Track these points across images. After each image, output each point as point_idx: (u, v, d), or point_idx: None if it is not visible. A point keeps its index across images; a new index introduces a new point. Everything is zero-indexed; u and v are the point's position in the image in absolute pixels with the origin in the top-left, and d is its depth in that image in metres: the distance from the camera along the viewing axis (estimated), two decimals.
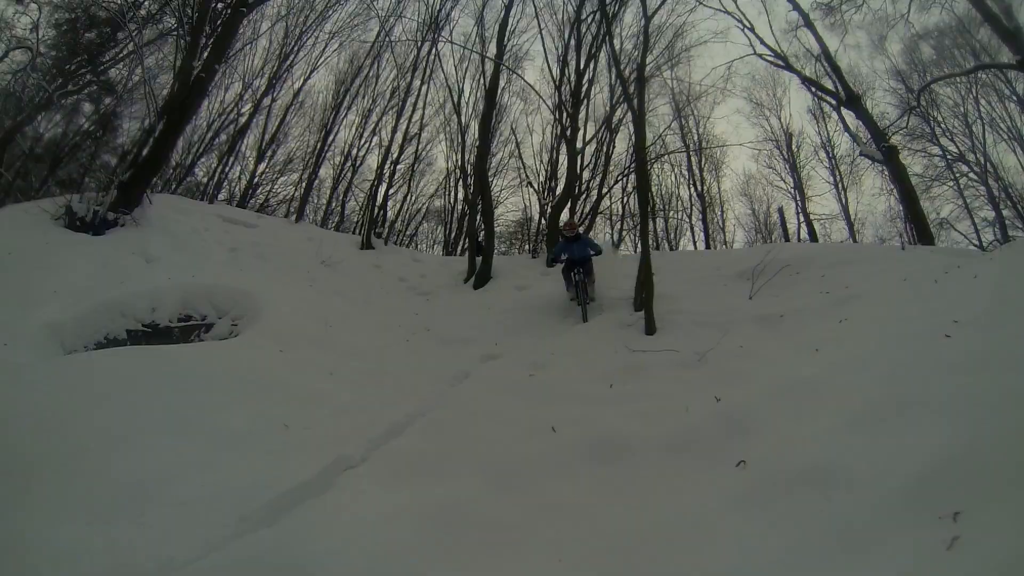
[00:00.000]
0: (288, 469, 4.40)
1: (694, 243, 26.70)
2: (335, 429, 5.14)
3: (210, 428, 4.83)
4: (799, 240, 22.59)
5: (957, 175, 22.38)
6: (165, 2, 16.58)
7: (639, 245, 22.73)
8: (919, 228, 13.44)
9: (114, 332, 7.17)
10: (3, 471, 4.01)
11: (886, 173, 18.10)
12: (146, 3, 16.57)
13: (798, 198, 25.22)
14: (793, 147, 25.91)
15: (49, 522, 3.67)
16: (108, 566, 3.34)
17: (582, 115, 17.11)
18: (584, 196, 18.35)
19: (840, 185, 24.74)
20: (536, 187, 21.22)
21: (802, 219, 24.63)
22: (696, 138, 25.74)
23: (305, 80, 21.57)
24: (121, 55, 17.80)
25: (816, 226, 24.14)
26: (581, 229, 17.66)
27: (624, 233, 24.42)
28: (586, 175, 18.30)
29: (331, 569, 3.21)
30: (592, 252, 9.87)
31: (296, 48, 20.69)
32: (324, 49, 21.34)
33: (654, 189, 24.87)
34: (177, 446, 4.55)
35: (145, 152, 11.28)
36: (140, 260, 9.00)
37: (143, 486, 4.08)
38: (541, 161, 22.34)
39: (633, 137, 18.28)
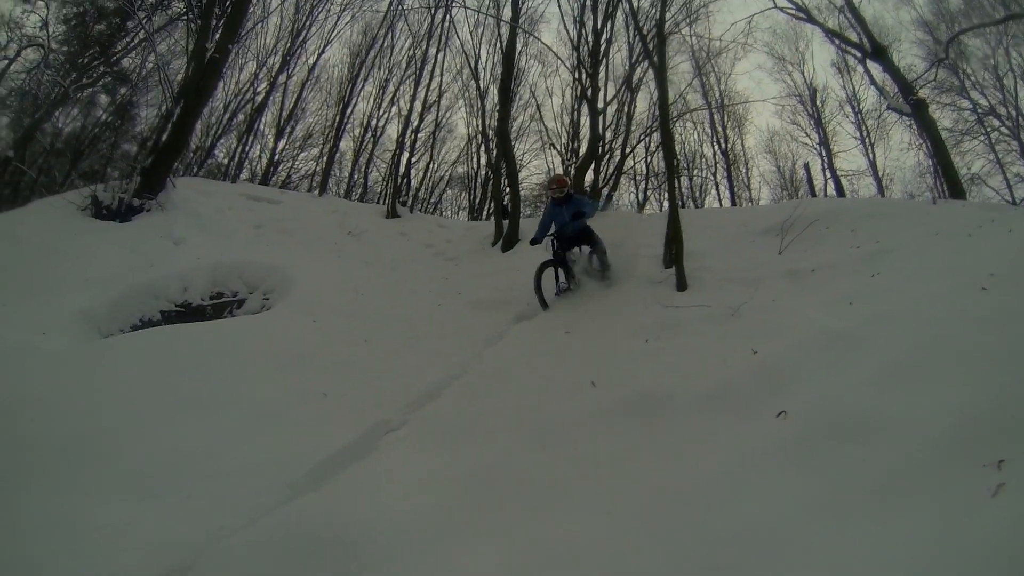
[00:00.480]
0: (329, 436, 4.46)
1: (719, 201, 26.34)
2: (373, 395, 5.18)
3: (250, 399, 4.90)
4: (825, 196, 22.05)
5: (988, 129, 21.46)
6: None
7: (664, 203, 22.63)
8: (950, 183, 13.03)
9: (148, 314, 7.30)
10: (53, 454, 4.11)
11: (914, 128, 17.56)
12: None
13: (824, 154, 24.66)
14: (817, 102, 25.24)
15: (99, 500, 3.75)
16: (159, 539, 3.41)
17: (601, 75, 16.79)
18: (607, 156, 18.13)
19: (867, 140, 24.10)
20: (559, 148, 21.05)
21: (828, 175, 24.19)
22: (718, 95, 25.20)
23: (319, 54, 21.48)
24: (133, 44, 18.02)
25: (843, 182, 23.70)
26: (608, 189, 17.55)
27: (649, 192, 24.22)
28: (608, 135, 18.04)
29: (378, 530, 3.22)
30: (583, 212, 8.38)
31: (308, 23, 20.61)
32: (336, 22, 21.22)
33: (677, 148, 24.41)
34: (219, 419, 4.64)
35: (165, 137, 11.29)
36: (168, 243, 9.09)
37: (189, 460, 4.17)
38: (562, 123, 22.16)
39: (654, 95, 18.01)
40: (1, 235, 8.60)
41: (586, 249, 8.77)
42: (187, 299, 7.68)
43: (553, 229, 8.61)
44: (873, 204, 10.15)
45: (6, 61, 17.66)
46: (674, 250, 7.85)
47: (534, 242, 8.63)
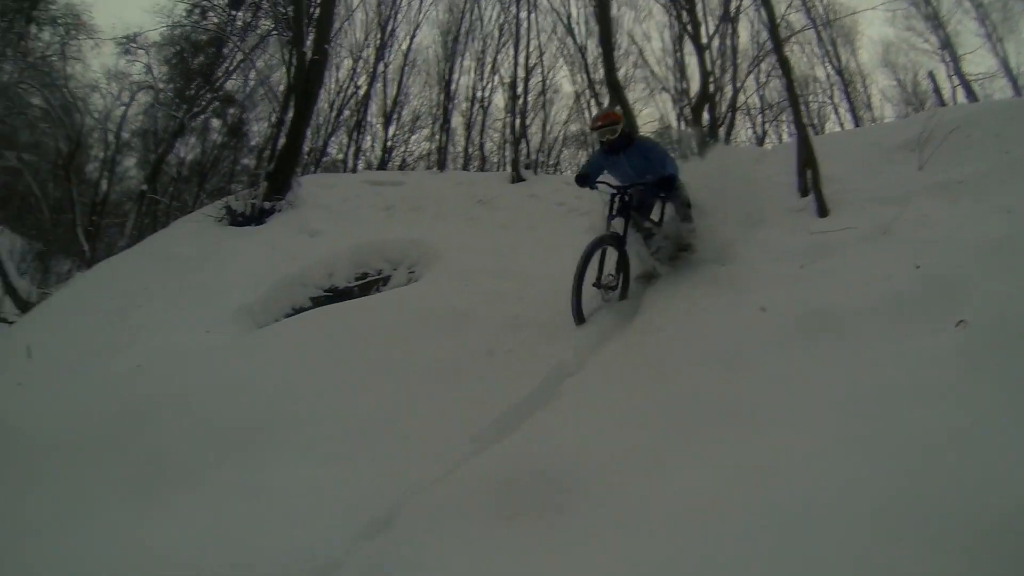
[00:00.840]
0: (507, 387, 4.54)
1: (840, 124, 24.68)
2: (542, 345, 5.21)
3: (421, 363, 5.07)
4: (955, 104, 20.07)
5: None
6: (257, 7, 17.57)
7: (783, 136, 21.55)
8: None
9: (299, 302, 7.78)
10: (241, 433, 4.43)
11: None
12: (240, 14, 17.85)
13: (948, 59, 22.36)
14: (932, 1, 22.88)
15: (288, 466, 4.04)
16: (355, 498, 3.59)
17: (698, 9, 16.40)
18: (718, 94, 17.60)
19: (994, 37, 21.53)
20: (669, 91, 20.90)
21: (956, 81, 21.92)
22: (822, 11, 23.48)
23: (411, 39, 22.08)
24: (232, 67, 19.33)
25: (974, 87, 21.44)
26: (723, 128, 16.88)
27: (766, 126, 23.36)
28: (713, 76, 17.58)
29: (581, 464, 3.25)
30: (667, 172, 5.78)
31: (393, 12, 21.34)
32: (421, 5, 21.76)
33: None
34: (393, 384, 4.84)
35: (282, 141, 12.11)
36: (305, 236, 9.61)
37: (371, 424, 4.38)
38: (666, 66, 21.67)
39: (754, 23, 17.25)
40: (154, 254, 9.60)
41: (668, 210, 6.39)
42: (333, 283, 8.13)
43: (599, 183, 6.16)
44: (1016, 105, 9.68)
45: (123, 107, 19.89)
46: (809, 176, 7.69)
47: (581, 180, 6.14)
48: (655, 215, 6.33)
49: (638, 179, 5.94)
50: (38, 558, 3.50)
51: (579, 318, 5.55)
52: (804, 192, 7.97)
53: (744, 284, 5.49)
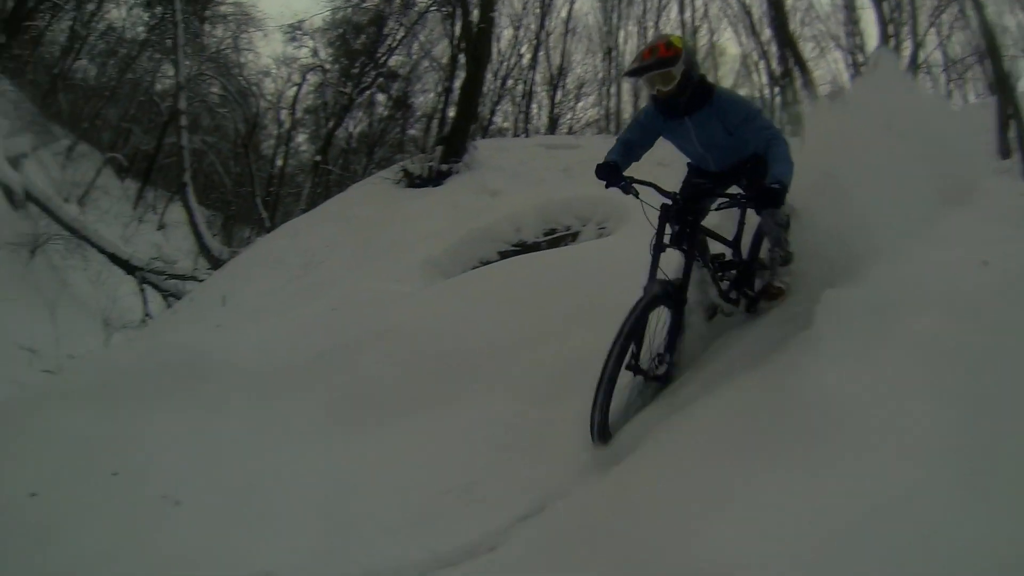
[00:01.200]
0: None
1: None
2: None
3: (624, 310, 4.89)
4: None
5: None
6: None
7: (969, 95, 19.86)
8: None
9: (486, 256, 7.95)
10: (445, 368, 4.56)
11: None
12: None
13: None
14: None
15: (496, 404, 4.16)
16: (568, 435, 3.63)
17: None
18: (897, 50, 16.53)
19: None
20: (843, 47, 20.34)
21: None
22: None
23: (570, 6, 22.64)
24: (395, 45, 20.63)
25: None
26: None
27: (950, 86, 21.40)
28: (890, 28, 17.01)
29: (839, 394, 3.02)
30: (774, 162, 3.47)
31: None
32: None
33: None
34: (597, 331, 4.63)
35: (452, 108, 13.05)
36: (485, 196, 9.90)
37: (579, 367, 4.21)
38: (837, 20, 20.86)
39: None
40: (334, 215, 10.33)
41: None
42: (521, 238, 8.28)
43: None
44: None
45: (295, 88, 22.52)
46: (1012, 135, 7.49)
47: (605, 172, 3.90)
48: (716, 217, 4.24)
49: (710, 158, 3.94)
50: (253, 474, 3.67)
51: (602, 434, 3.46)
52: (1005, 153, 7.54)
53: (955, 241, 4.97)
